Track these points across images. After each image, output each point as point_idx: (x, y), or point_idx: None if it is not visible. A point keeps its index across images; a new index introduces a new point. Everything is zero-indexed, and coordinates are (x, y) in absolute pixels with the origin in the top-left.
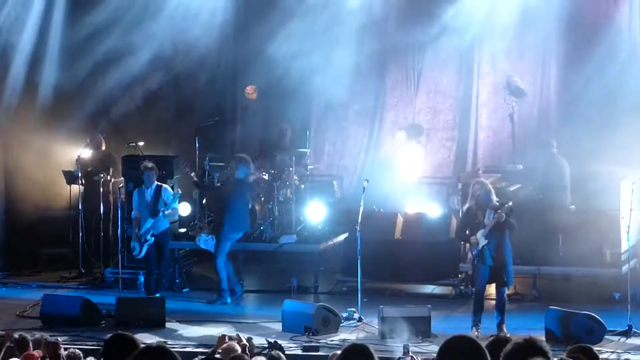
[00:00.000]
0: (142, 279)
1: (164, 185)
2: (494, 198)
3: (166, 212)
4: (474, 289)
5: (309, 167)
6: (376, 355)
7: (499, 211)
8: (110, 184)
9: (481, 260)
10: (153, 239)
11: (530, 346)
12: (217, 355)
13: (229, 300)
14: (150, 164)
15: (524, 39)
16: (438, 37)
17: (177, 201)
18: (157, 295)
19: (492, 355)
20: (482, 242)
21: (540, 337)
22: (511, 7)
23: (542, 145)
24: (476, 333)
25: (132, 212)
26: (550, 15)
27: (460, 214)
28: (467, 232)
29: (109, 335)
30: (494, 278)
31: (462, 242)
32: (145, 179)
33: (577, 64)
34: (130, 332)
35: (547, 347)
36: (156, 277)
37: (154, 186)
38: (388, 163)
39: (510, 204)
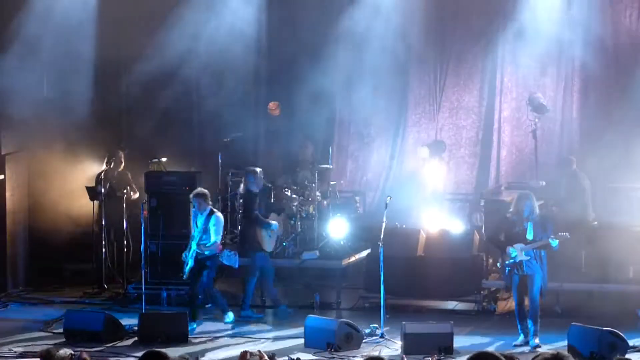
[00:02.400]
0: (164, 294)
1: (216, 212)
2: (537, 212)
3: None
4: (495, 306)
5: (331, 183)
6: None
7: (554, 240)
8: (131, 199)
9: (517, 270)
10: (192, 264)
11: None
12: None
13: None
14: (200, 191)
15: (546, 55)
16: (461, 53)
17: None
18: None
19: None
20: (522, 256)
21: (568, 354)
22: (535, 24)
23: (562, 163)
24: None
25: (192, 232)
26: (574, 32)
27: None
28: (502, 238)
29: (142, 353)
30: (526, 288)
31: (493, 246)
32: (195, 205)
33: (599, 80)
34: (153, 347)
35: None
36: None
37: (206, 211)
38: (410, 179)
39: (568, 235)
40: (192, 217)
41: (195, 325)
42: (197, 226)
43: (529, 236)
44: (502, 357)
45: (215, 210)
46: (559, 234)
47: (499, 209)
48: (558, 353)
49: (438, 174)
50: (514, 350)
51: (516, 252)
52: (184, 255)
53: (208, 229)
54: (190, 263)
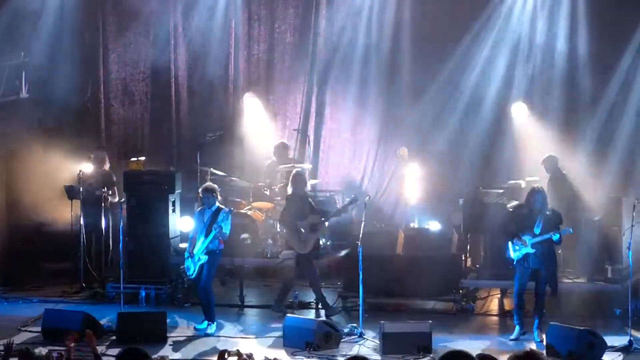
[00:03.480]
0: (143, 293)
1: (224, 208)
2: (548, 206)
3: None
4: (473, 305)
5: (311, 182)
6: None
7: (556, 234)
8: (109, 202)
9: (524, 262)
10: (207, 257)
11: (530, 358)
12: None
13: None
14: (209, 186)
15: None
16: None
17: (228, 222)
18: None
19: None
20: (528, 249)
21: (540, 351)
22: None
23: (547, 161)
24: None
25: (191, 232)
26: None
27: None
28: (513, 229)
29: (122, 349)
30: (529, 281)
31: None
32: (204, 201)
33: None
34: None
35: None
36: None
37: (214, 208)
38: (390, 179)
39: (571, 230)
40: (195, 214)
41: (215, 327)
42: (202, 224)
43: (537, 230)
44: (472, 356)
45: (222, 205)
46: (563, 228)
47: (477, 208)
48: (531, 350)
49: (418, 174)
50: (509, 341)
51: (523, 244)
52: (187, 253)
53: (216, 225)
54: (203, 259)
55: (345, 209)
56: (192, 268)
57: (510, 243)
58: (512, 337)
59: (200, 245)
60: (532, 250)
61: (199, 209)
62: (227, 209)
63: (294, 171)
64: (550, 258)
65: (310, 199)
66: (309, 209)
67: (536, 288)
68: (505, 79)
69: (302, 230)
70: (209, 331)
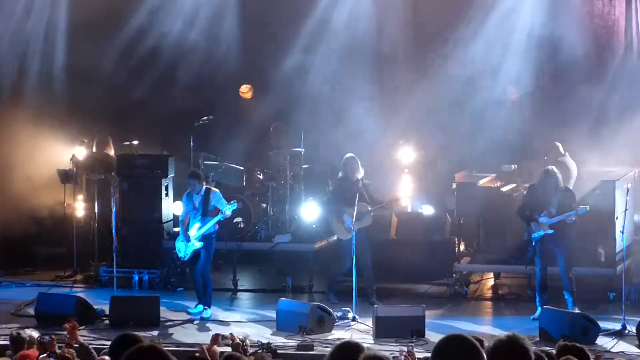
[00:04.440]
0: (136, 277)
1: (213, 189)
2: (562, 187)
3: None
4: (467, 289)
5: (303, 166)
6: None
7: (572, 215)
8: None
9: (542, 243)
10: (203, 244)
11: (512, 344)
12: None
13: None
14: (194, 172)
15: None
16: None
17: (222, 200)
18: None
19: None
20: (545, 228)
21: (523, 335)
22: None
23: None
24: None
25: (181, 215)
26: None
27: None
28: (528, 212)
29: (114, 336)
30: (550, 261)
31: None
32: (190, 186)
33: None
34: (124, 331)
35: (529, 345)
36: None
37: (202, 191)
38: (384, 162)
39: (588, 208)
40: (184, 200)
41: (210, 312)
42: (194, 207)
43: (552, 210)
44: (472, 339)
45: (210, 187)
46: (580, 206)
47: (471, 192)
48: (513, 335)
49: (411, 157)
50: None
51: (540, 226)
52: (181, 236)
53: (208, 208)
54: (199, 245)
55: (390, 205)
56: (183, 250)
57: (527, 225)
58: (534, 316)
59: (197, 230)
60: (550, 231)
61: (186, 192)
62: (218, 192)
63: (347, 155)
64: (565, 238)
65: (361, 187)
66: (358, 196)
67: (559, 268)
68: (498, 62)
69: (348, 217)
70: (204, 315)
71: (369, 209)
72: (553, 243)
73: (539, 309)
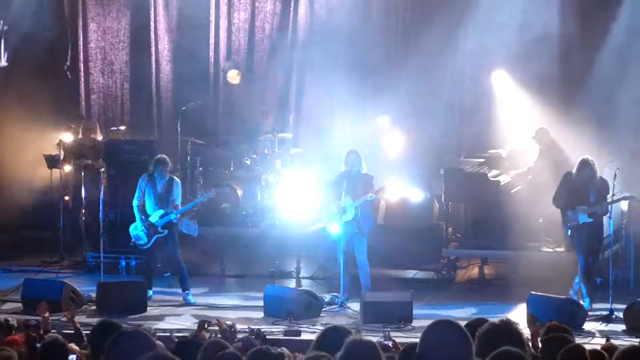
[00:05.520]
0: (123, 263)
1: (176, 178)
2: (598, 176)
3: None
4: (454, 274)
5: (291, 151)
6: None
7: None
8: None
9: (579, 232)
10: (166, 232)
11: (506, 327)
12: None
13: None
14: (162, 158)
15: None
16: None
17: (179, 191)
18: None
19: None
20: (585, 218)
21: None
22: None
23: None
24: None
25: (135, 199)
26: None
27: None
28: (563, 199)
29: (96, 322)
30: (588, 250)
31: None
32: (156, 172)
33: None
34: (111, 317)
35: (522, 329)
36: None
37: (167, 178)
38: (371, 148)
39: (635, 196)
40: (144, 186)
41: (152, 293)
42: (156, 193)
43: (592, 199)
44: (460, 324)
45: (172, 176)
46: (625, 195)
47: (459, 177)
48: (507, 319)
49: (398, 143)
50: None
51: (579, 214)
52: (141, 223)
53: (169, 196)
54: (163, 233)
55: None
56: (143, 238)
57: (563, 214)
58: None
59: (158, 217)
60: (589, 220)
61: (146, 175)
62: (180, 183)
63: (350, 149)
64: (602, 227)
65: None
66: (351, 190)
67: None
68: (486, 47)
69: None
70: (191, 300)
71: (352, 201)
72: (590, 232)
73: (587, 300)
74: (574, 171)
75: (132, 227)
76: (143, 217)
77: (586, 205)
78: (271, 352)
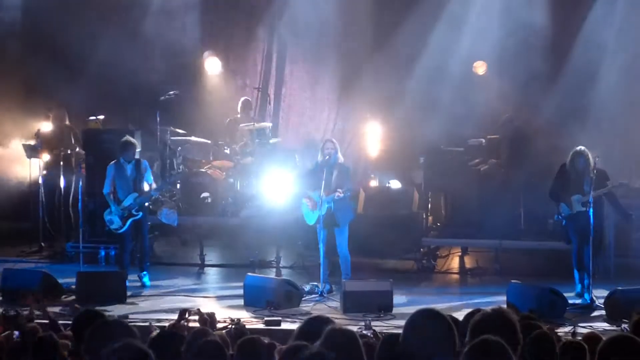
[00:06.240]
0: (102, 253)
1: (143, 160)
2: (592, 166)
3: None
4: (435, 263)
5: (271, 140)
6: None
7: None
8: (73, 158)
9: (573, 221)
10: (141, 214)
11: (498, 316)
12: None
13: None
14: (128, 140)
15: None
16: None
17: (150, 172)
18: (144, 273)
19: None
20: (579, 207)
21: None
22: None
23: (504, 122)
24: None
25: (105, 187)
26: None
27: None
28: (560, 192)
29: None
30: (585, 239)
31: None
32: (122, 156)
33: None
34: (91, 306)
35: (515, 318)
36: (136, 254)
37: (133, 161)
38: (351, 137)
39: (627, 182)
40: (113, 173)
41: (149, 283)
42: (125, 177)
43: (587, 188)
44: (443, 314)
45: (139, 158)
46: (619, 182)
47: (438, 167)
48: (499, 308)
49: (378, 132)
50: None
51: (574, 204)
52: (114, 208)
53: (140, 177)
54: (137, 215)
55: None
56: (117, 222)
57: (557, 206)
58: (577, 293)
59: (132, 200)
60: (582, 209)
61: (113, 162)
62: (145, 161)
63: (326, 138)
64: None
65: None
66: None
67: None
68: (466, 36)
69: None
70: (148, 283)
71: (325, 196)
72: (587, 220)
73: (578, 285)
74: (567, 162)
75: (106, 212)
76: (116, 203)
77: (580, 195)
78: (262, 341)
